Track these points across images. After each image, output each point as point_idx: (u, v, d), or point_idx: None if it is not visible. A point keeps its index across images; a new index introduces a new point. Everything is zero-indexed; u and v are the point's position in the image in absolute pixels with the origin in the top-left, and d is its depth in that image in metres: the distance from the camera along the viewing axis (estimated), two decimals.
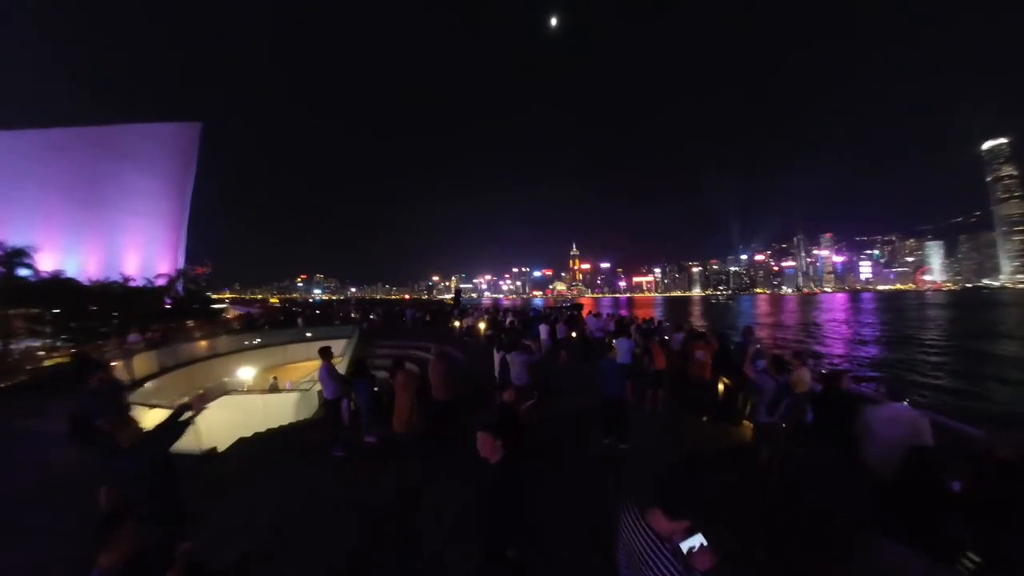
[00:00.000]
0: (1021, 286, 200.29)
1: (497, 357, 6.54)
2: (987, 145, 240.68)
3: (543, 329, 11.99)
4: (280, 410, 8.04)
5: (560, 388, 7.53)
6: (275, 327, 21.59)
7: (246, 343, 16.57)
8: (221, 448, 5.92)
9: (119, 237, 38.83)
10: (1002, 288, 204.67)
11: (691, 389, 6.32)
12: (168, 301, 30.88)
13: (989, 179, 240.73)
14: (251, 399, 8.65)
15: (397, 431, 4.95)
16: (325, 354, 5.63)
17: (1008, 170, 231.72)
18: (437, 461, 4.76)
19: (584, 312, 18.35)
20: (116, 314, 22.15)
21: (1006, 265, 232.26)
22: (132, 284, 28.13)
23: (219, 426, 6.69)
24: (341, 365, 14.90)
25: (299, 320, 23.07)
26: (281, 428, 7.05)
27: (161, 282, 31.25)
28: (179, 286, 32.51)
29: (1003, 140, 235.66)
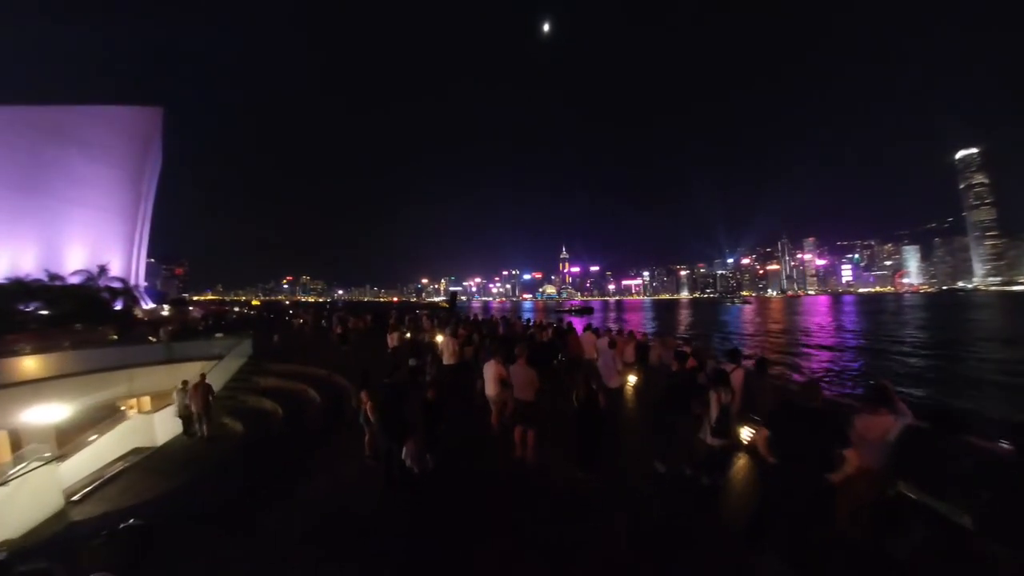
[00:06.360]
0: (993, 288, 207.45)
1: None
2: (960, 154, 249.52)
3: (489, 371, 5.65)
4: None
5: None
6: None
7: (46, 368, 11.36)
8: None
9: (60, 229, 35.21)
10: (975, 290, 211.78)
11: None
12: (117, 303, 27.59)
13: (962, 186, 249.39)
14: None
15: None
16: None
17: (979, 178, 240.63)
18: None
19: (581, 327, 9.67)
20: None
21: (978, 268, 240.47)
22: (59, 283, 24.87)
23: None
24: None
25: (161, 332, 17.04)
26: None
27: (75, 279, 27.43)
28: (100, 283, 28.99)
29: (975, 150, 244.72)
